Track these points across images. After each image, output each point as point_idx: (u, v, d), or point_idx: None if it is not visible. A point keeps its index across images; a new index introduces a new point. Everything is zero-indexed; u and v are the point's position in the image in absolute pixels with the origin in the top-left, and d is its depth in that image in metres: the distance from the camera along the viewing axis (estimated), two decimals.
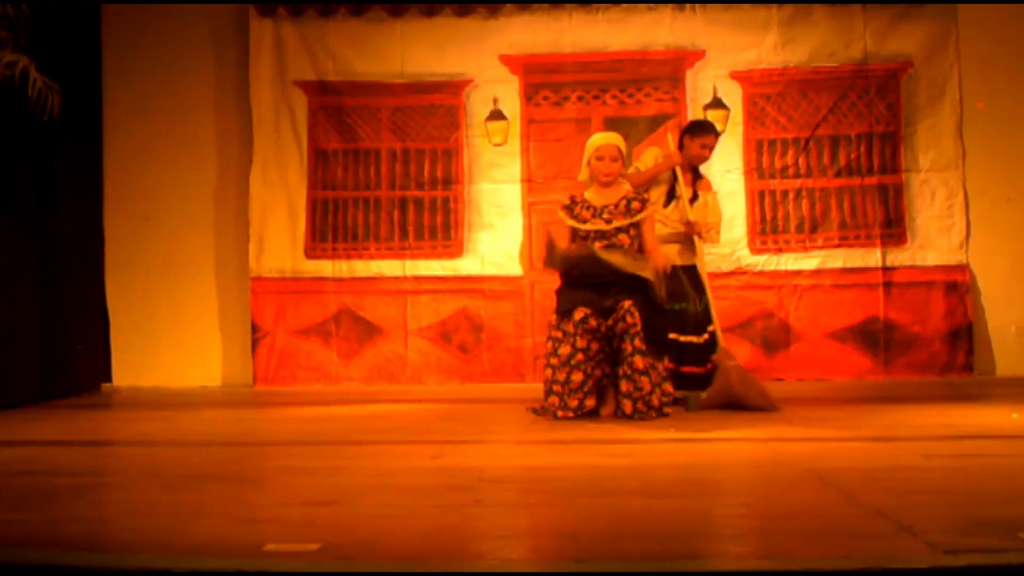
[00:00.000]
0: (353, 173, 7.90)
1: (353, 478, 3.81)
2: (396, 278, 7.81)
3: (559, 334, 5.45)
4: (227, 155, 7.96)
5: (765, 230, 7.76)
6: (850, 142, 7.77)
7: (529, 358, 7.63)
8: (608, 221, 5.61)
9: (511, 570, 2.58)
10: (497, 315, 7.76)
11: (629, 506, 3.27)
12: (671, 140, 6.22)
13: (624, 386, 5.32)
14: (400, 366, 7.77)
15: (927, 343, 7.61)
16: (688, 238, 6.00)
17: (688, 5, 7.80)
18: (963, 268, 7.66)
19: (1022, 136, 7.73)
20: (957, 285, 7.65)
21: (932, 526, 2.80)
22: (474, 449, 4.64)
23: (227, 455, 4.59)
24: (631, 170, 5.99)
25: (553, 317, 5.55)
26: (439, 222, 7.86)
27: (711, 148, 6.06)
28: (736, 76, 7.80)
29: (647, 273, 5.37)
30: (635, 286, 5.40)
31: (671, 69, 7.84)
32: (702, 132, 6.04)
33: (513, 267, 7.78)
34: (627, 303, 5.30)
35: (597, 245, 5.58)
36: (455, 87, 7.88)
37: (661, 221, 5.91)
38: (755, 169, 7.78)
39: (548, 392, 5.46)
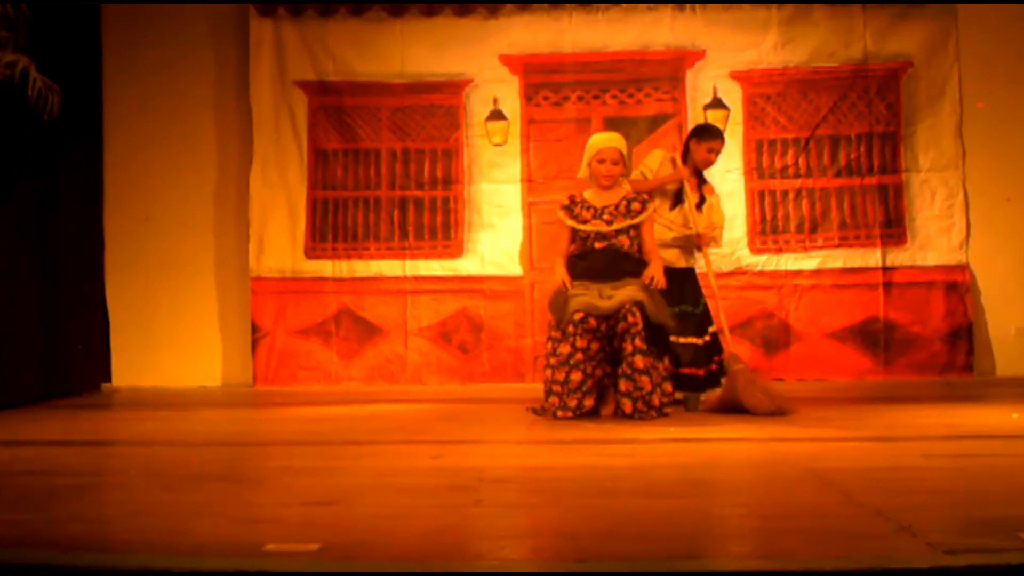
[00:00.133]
0: (353, 173, 7.90)
1: (353, 478, 3.81)
2: (396, 278, 7.81)
3: (558, 334, 5.45)
4: (227, 155, 7.96)
5: (765, 230, 7.76)
6: (850, 142, 7.77)
7: (529, 358, 7.63)
8: (609, 222, 5.61)
9: (511, 570, 2.58)
10: (497, 315, 7.76)
11: (629, 506, 3.27)
12: (678, 161, 6.12)
13: (624, 386, 5.32)
14: (400, 366, 7.77)
15: (927, 343, 7.61)
16: (688, 241, 6.00)
17: (688, 5, 7.80)
18: (963, 268, 7.67)
19: (1022, 136, 7.73)
20: (957, 285, 7.65)
21: (932, 526, 2.80)
22: (474, 449, 4.64)
23: (227, 455, 4.59)
24: (636, 174, 5.98)
25: (553, 296, 5.55)
26: (439, 222, 7.86)
27: (717, 152, 6.04)
28: (736, 76, 7.80)
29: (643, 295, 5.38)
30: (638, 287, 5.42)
31: (671, 69, 7.84)
32: (708, 136, 6.02)
33: (513, 267, 7.78)
34: (628, 303, 5.30)
35: (597, 246, 5.59)
36: (455, 87, 7.88)
37: (666, 225, 5.91)
38: (755, 169, 7.78)
39: (548, 392, 5.46)
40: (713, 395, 5.79)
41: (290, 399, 6.84)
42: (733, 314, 7.39)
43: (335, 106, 7.90)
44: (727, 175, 7.55)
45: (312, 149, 7.89)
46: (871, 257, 7.68)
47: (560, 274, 5.55)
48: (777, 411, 5.46)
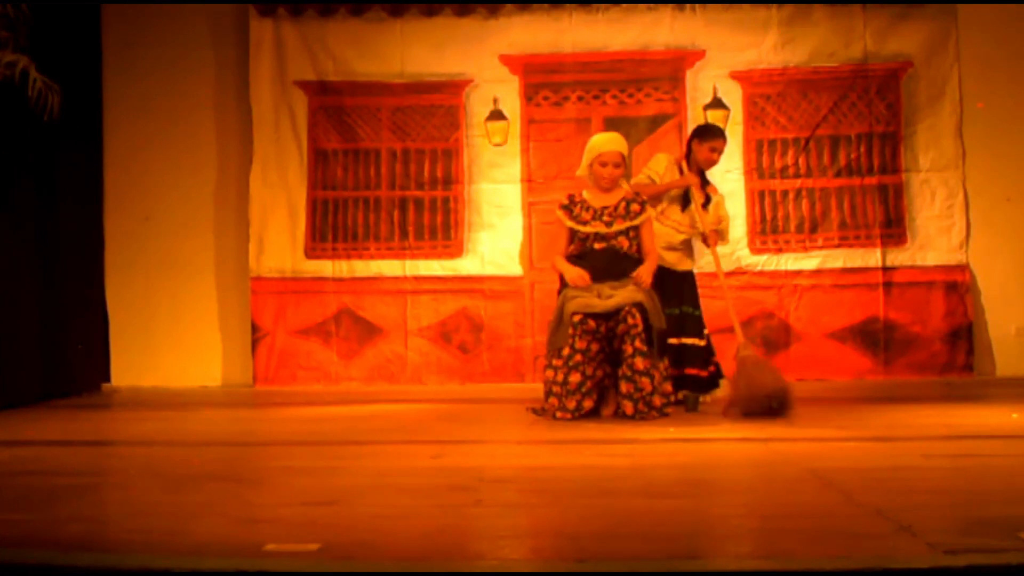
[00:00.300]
0: (353, 173, 7.90)
1: (353, 478, 3.81)
2: (396, 278, 7.81)
3: (558, 361, 5.44)
4: (227, 155, 7.96)
5: (765, 230, 7.76)
6: (850, 142, 7.77)
7: (529, 358, 7.63)
8: (608, 223, 5.61)
9: (511, 570, 2.58)
10: (497, 315, 7.75)
11: (629, 506, 3.27)
12: (685, 167, 6.10)
13: (625, 387, 5.32)
14: (400, 366, 7.77)
15: (927, 343, 7.61)
16: (689, 244, 6.00)
17: (688, 5, 7.79)
18: (963, 268, 7.66)
19: (1022, 136, 7.73)
20: (957, 285, 7.65)
21: (932, 526, 2.80)
22: (474, 449, 4.65)
23: (227, 455, 4.59)
24: (642, 177, 5.98)
25: (552, 317, 5.55)
26: (439, 222, 7.86)
27: (720, 152, 6.04)
28: (736, 76, 7.80)
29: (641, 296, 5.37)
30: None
31: (671, 69, 7.84)
32: (711, 136, 6.02)
33: (513, 267, 7.78)
34: (628, 304, 5.30)
35: (596, 247, 5.59)
36: (455, 87, 7.88)
37: (675, 228, 5.91)
38: (755, 169, 7.78)
39: (548, 393, 5.46)
40: (723, 394, 5.78)
41: (290, 399, 6.84)
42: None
43: (335, 106, 7.90)
44: (727, 175, 7.54)
45: (312, 149, 7.89)
46: (871, 257, 7.68)
47: (573, 272, 5.52)
48: (785, 393, 5.43)
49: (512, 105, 7.85)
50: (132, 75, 7.87)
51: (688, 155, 6.02)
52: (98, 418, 6.31)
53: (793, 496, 3.38)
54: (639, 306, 5.31)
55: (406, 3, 7.86)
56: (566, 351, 5.36)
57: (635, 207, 5.64)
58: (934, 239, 7.68)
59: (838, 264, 7.70)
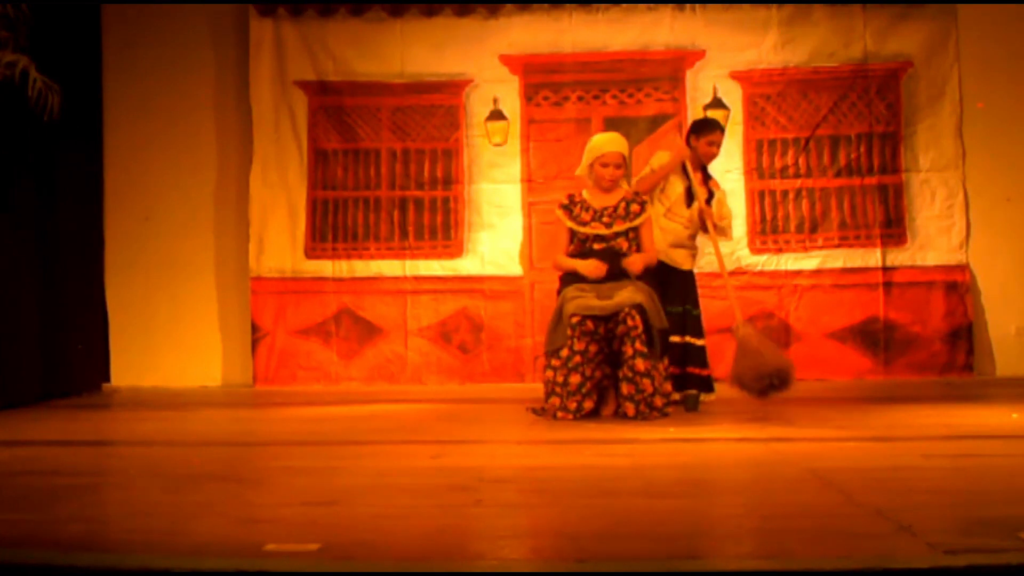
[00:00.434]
0: (353, 173, 7.90)
1: (353, 478, 3.81)
2: (396, 278, 7.81)
3: (556, 361, 5.44)
4: (227, 155, 7.96)
5: (765, 230, 7.76)
6: (850, 142, 7.77)
7: (529, 358, 7.63)
8: (608, 224, 5.61)
9: (511, 570, 2.58)
10: (497, 315, 7.76)
11: (629, 506, 3.27)
12: (679, 139, 6.17)
13: (626, 389, 5.31)
14: (400, 366, 7.77)
15: (927, 343, 7.61)
16: (695, 241, 6.01)
17: (688, 5, 7.80)
18: (963, 268, 7.66)
19: (1022, 136, 7.73)
20: (957, 285, 7.65)
21: (932, 526, 2.80)
22: (474, 449, 4.64)
23: (227, 455, 4.59)
24: (646, 171, 5.99)
25: (552, 317, 5.55)
26: (439, 222, 7.86)
27: (718, 144, 6.05)
28: (736, 76, 7.80)
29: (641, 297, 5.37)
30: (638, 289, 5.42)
31: (671, 69, 7.84)
32: (708, 130, 6.04)
33: (513, 267, 7.78)
34: (627, 306, 5.29)
35: (596, 248, 5.58)
36: (455, 87, 7.88)
37: (682, 224, 5.92)
38: (755, 169, 7.78)
39: (549, 393, 5.45)
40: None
41: (290, 399, 6.84)
42: (733, 314, 7.39)
43: (335, 106, 7.90)
44: (727, 175, 7.53)
45: (312, 149, 7.89)
46: (871, 257, 7.68)
47: (588, 264, 5.51)
48: (787, 372, 5.51)
49: (512, 105, 7.85)
50: (132, 75, 7.87)
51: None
52: (98, 418, 6.31)
53: (793, 496, 3.38)
54: (639, 307, 5.30)
55: (406, 3, 7.86)
56: (565, 352, 5.36)
57: (635, 208, 5.64)
58: (934, 239, 7.68)
59: (838, 264, 7.70)
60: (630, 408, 5.30)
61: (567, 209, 5.70)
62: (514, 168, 7.84)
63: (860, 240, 7.71)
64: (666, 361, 5.54)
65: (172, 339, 7.84)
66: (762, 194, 7.78)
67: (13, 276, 6.50)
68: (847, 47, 7.76)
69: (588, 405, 5.40)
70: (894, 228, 7.71)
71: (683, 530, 2.93)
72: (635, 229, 5.62)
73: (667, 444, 4.62)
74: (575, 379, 5.36)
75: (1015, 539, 2.62)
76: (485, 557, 2.70)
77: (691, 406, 5.74)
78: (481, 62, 7.84)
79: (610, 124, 7.56)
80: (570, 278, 5.59)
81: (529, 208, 7.80)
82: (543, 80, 7.87)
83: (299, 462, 4.32)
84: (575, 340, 5.33)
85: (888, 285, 7.65)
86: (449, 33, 7.86)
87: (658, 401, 5.32)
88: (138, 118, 7.86)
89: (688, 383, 5.78)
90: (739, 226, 7.60)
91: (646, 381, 5.29)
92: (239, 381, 7.82)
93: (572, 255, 5.64)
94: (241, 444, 5.01)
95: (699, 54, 7.80)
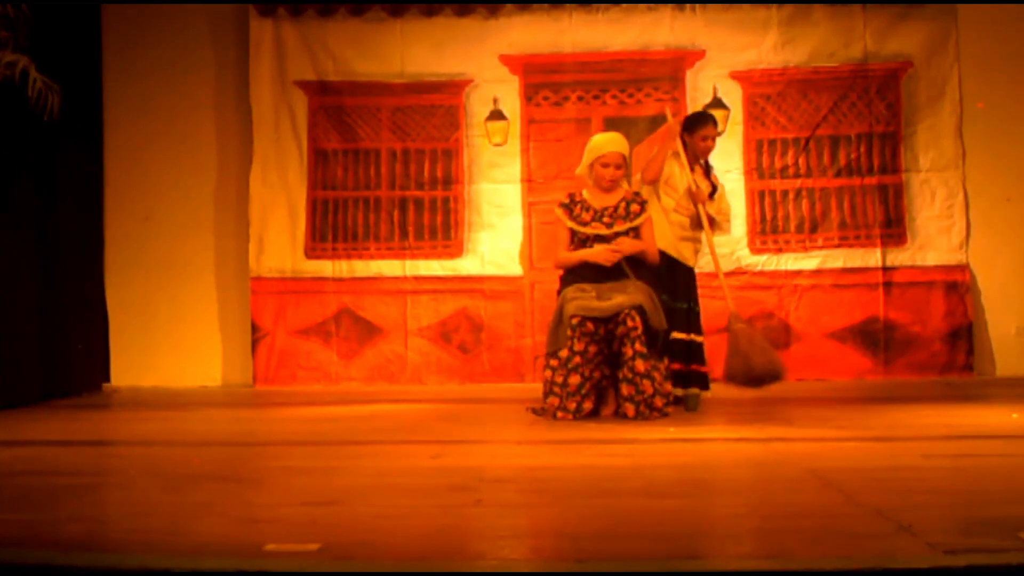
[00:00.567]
0: (353, 173, 7.90)
1: (353, 478, 3.81)
2: (396, 278, 7.81)
3: (554, 361, 5.44)
4: (227, 155, 7.96)
5: (765, 230, 7.76)
6: (850, 142, 7.77)
7: (529, 358, 7.63)
8: (609, 225, 5.60)
9: (511, 570, 2.57)
10: (497, 315, 7.76)
11: (629, 506, 3.27)
12: (669, 114, 6.21)
13: (626, 390, 5.30)
14: (400, 366, 7.77)
15: (927, 343, 7.61)
16: (698, 236, 6.02)
17: (688, 5, 7.80)
18: (963, 268, 7.67)
19: (1022, 136, 7.73)
20: (957, 285, 7.65)
21: (932, 526, 2.80)
22: (474, 449, 4.64)
23: (227, 455, 4.59)
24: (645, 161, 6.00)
25: (552, 318, 5.55)
26: (439, 222, 7.86)
27: (713, 138, 6.05)
28: (736, 76, 7.80)
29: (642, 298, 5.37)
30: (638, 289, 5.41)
31: (671, 69, 7.84)
32: (700, 124, 6.02)
33: (513, 267, 7.79)
34: (627, 307, 5.29)
35: (596, 248, 5.59)
36: (455, 87, 7.88)
37: (690, 217, 5.92)
38: (755, 169, 7.78)
39: (548, 393, 5.45)
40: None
41: (290, 399, 6.84)
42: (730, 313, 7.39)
43: (335, 106, 7.90)
44: (727, 175, 7.52)
45: (312, 149, 7.90)
46: (871, 257, 7.68)
47: (598, 250, 5.51)
48: (777, 372, 5.59)
49: (512, 105, 7.86)
50: (132, 75, 7.87)
51: (684, 149, 6.02)
52: (98, 418, 6.31)
53: (793, 496, 3.38)
54: (639, 308, 5.30)
55: (406, 3, 7.87)
56: (564, 353, 5.36)
57: (635, 207, 5.63)
58: (934, 239, 7.69)
59: (838, 264, 7.70)
60: (630, 409, 5.29)
61: (567, 208, 5.70)
62: (514, 168, 7.84)
63: (860, 240, 7.71)
64: (666, 361, 5.54)
65: (172, 339, 7.84)
66: (762, 194, 7.78)
67: (13, 276, 6.50)
68: (847, 47, 7.76)
69: (587, 406, 5.40)
70: (894, 228, 7.71)
71: (683, 530, 2.93)
72: (635, 229, 5.62)
73: (667, 444, 4.62)
74: (574, 380, 5.35)
75: (1015, 539, 2.62)
76: (485, 557, 2.70)
77: (692, 406, 5.75)
78: (481, 62, 7.84)
79: (610, 124, 7.57)
80: (570, 278, 5.59)
81: (529, 208, 7.80)
82: (543, 80, 7.87)
83: (299, 462, 4.32)
84: (575, 341, 5.33)
85: (888, 285, 7.65)
86: (449, 33, 7.86)
87: (658, 402, 5.32)
88: (138, 118, 7.86)
89: (691, 380, 5.79)
90: (739, 226, 7.61)
91: (646, 382, 5.29)
92: (239, 381, 7.82)
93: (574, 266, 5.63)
94: (241, 444, 5.01)
95: (699, 54, 7.81)
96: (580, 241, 5.64)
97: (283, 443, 4.95)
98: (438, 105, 7.90)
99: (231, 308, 7.90)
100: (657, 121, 7.74)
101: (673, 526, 2.96)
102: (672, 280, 5.77)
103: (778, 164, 7.79)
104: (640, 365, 5.28)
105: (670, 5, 7.80)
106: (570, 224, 5.66)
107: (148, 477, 3.92)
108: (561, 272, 5.72)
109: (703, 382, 5.87)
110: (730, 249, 7.54)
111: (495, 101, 7.86)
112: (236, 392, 7.56)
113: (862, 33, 7.76)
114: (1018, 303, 7.69)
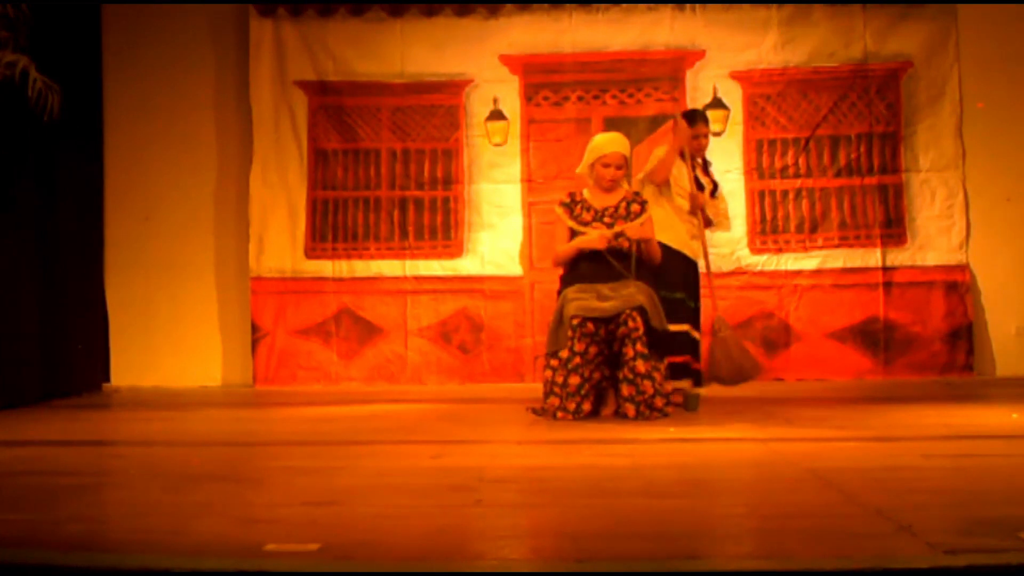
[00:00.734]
0: (353, 173, 7.90)
1: (353, 478, 3.81)
2: (396, 278, 7.81)
3: (554, 361, 5.44)
4: (227, 155, 7.96)
5: (765, 230, 7.76)
6: (850, 142, 7.77)
7: (529, 358, 7.63)
8: (609, 225, 5.60)
9: (511, 570, 2.57)
10: (497, 315, 7.76)
11: (629, 506, 3.27)
12: (679, 116, 6.20)
13: (626, 390, 5.30)
14: (400, 366, 7.77)
15: (927, 343, 7.61)
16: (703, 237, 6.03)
17: (688, 5, 7.80)
18: (963, 268, 7.67)
19: (1022, 136, 7.73)
20: (957, 285, 7.65)
21: (932, 526, 2.80)
22: (474, 449, 4.64)
23: (227, 455, 4.59)
24: (653, 163, 5.98)
25: (552, 318, 5.55)
26: (439, 222, 7.87)
27: (706, 136, 6.06)
28: (736, 76, 7.80)
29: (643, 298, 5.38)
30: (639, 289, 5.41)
31: (671, 69, 7.84)
32: (692, 124, 6.02)
33: (513, 267, 7.79)
34: (628, 307, 5.29)
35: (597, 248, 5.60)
36: (455, 87, 7.88)
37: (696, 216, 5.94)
38: (755, 169, 7.79)
39: (548, 393, 5.45)
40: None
41: (290, 399, 6.84)
42: (733, 314, 7.39)
43: (335, 106, 7.90)
44: (727, 175, 7.54)
45: (312, 149, 7.90)
46: (871, 257, 7.69)
47: (592, 236, 5.51)
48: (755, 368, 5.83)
49: (512, 105, 7.86)
50: (132, 75, 7.88)
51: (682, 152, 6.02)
52: (98, 418, 6.31)
53: (793, 496, 3.38)
54: (640, 309, 5.29)
55: (406, 3, 7.87)
56: (564, 353, 5.35)
57: (635, 207, 5.63)
58: (934, 239, 7.69)
59: (838, 264, 7.70)
60: (630, 409, 5.29)
61: (568, 207, 5.70)
62: (514, 168, 7.84)
63: (860, 240, 7.71)
64: (666, 361, 5.53)
65: (172, 339, 7.85)
66: (762, 194, 7.78)
67: (13, 276, 6.50)
68: (847, 47, 7.77)
69: (587, 407, 5.39)
70: (894, 228, 7.72)
71: (683, 530, 2.92)
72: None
73: (667, 444, 4.62)
74: (574, 380, 5.35)
75: (1015, 539, 2.62)
76: (485, 557, 2.70)
77: (692, 406, 5.74)
78: (481, 62, 7.85)
79: (610, 124, 7.57)
80: (570, 278, 5.59)
81: (529, 208, 7.81)
82: (543, 80, 7.87)
83: (299, 462, 4.32)
84: (575, 341, 5.33)
85: (888, 285, 7.65)
86: (449, 33, 7.86)
87: (658, 402, 5.32)
88: (138, 118, 7.87)
89: (689, 374, 5.81)
90: (739, 226, 7.61)
91: (647, 383, 5.29)
92: (239, 381, 7.82)
93: (572, 259, 5.61)
94: (241, 444, 5.01)
95: (699, 54, 7.81)
96: None
97: (283, 443, 4.95)
98: (438, 105, 7.90)
99: (231, 308, 7.90)
100: (657, 121, 7.76)
101: (673, 526, 2.96)
102: (686, 277, 5.80)
103: (778, 164, 7.79)
104: (641, 366, 5.28)
105: (670, 5, 7.81)
106: (570, 223, 5.66)
107: (148, 477, 3.92)
108: (561, 272, 5.71)
109: (697, 378, 5.88)
110: (730, 249, 7.55)
111: (495, 101, 7.86)
112: (236, 392, 7.57)
113: (862, 33, 7.76)
114: (1018, 303, 7.69)
